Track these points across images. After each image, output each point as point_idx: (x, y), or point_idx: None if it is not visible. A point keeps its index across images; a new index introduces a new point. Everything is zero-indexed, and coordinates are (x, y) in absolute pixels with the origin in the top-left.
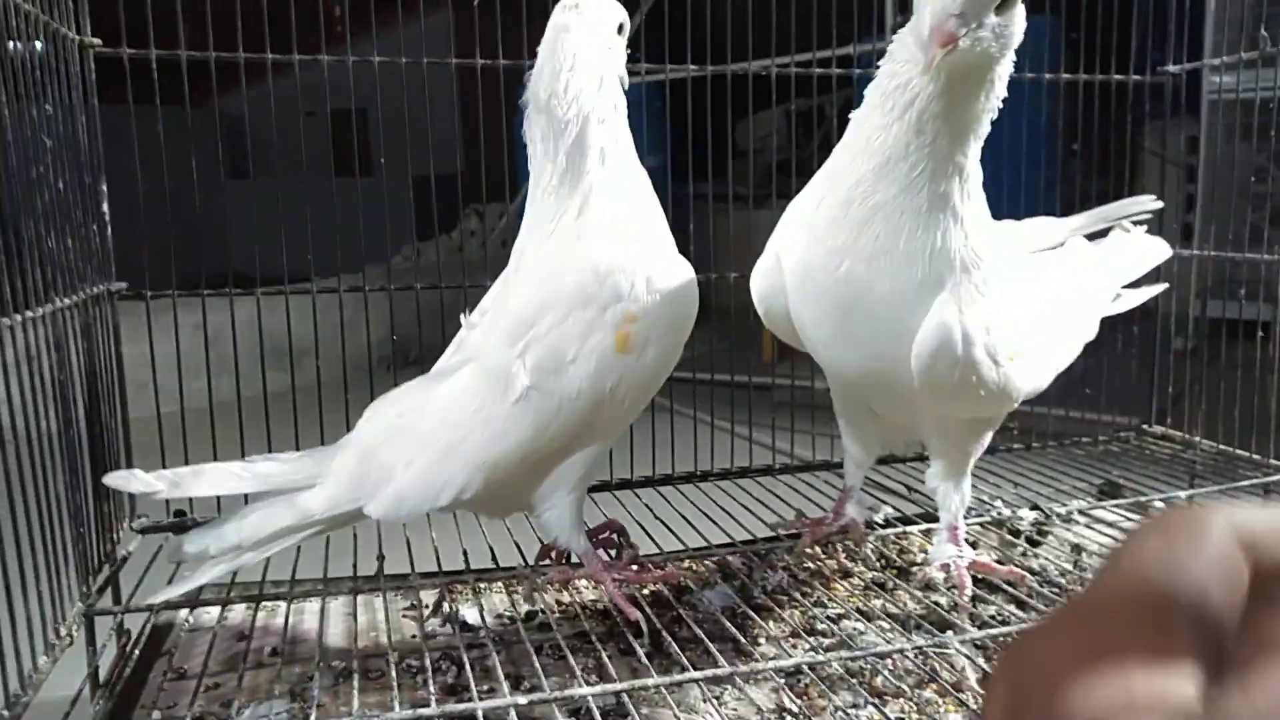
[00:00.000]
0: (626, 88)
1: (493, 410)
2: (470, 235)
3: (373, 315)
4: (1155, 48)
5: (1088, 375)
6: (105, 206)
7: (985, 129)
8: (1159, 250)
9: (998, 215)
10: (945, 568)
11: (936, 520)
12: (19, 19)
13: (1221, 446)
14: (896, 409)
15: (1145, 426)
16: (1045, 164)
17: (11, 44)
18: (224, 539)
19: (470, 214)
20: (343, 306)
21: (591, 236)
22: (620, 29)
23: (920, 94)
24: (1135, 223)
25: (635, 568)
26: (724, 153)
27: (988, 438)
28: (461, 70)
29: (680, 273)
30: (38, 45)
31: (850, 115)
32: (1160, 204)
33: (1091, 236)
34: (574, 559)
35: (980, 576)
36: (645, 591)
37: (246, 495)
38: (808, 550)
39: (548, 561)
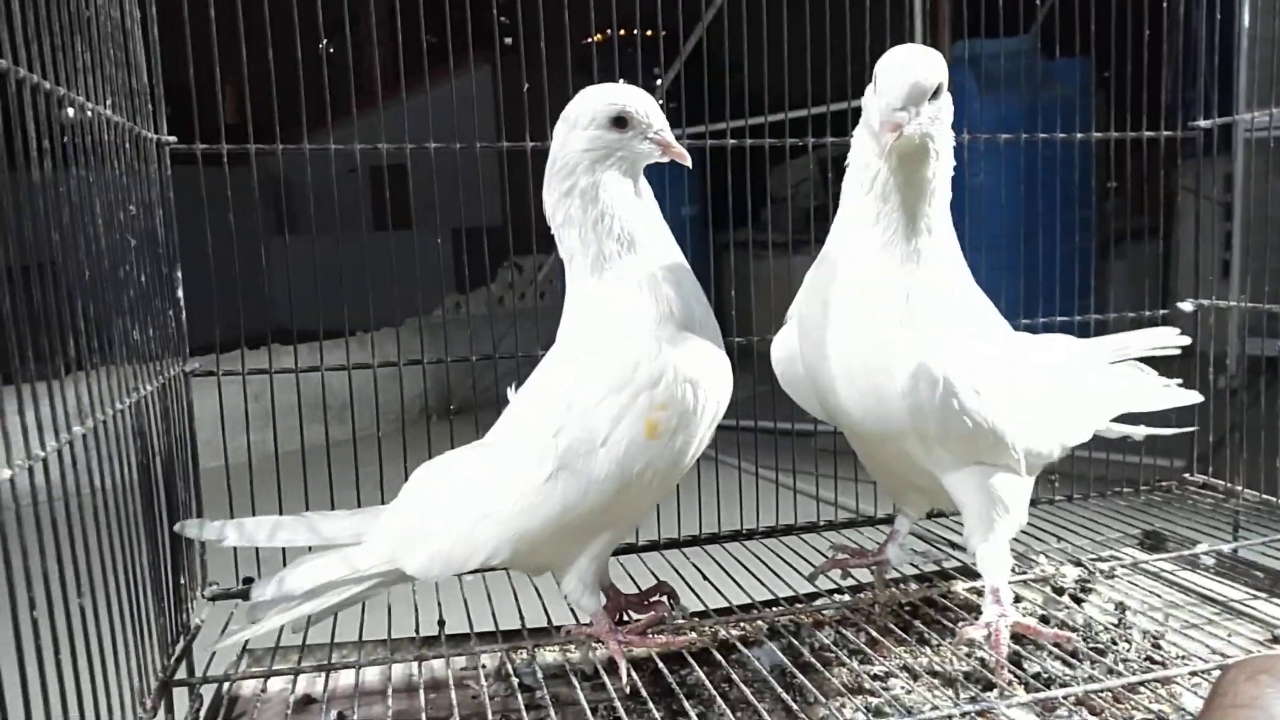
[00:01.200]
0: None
1: (524, 486)
2: (509, 288)
3: (419, 371)
4: (1187, 99)
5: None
6: (180, 292)
7: (944, 191)
8: (1175, 396)
9: (1036, 253)
10: (987, 626)
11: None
12: (110, 131)
13: (1264, 496)
14: (906, 460)
15: (1186, 475)
16: (1086, 205)
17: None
18: (283, 584)
19: (509, 267)
20: (402, 371)
21: (626, 325)
22: (619, 122)
23: (880, 171)
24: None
25: (649, 632)
26: (760, 201)
27: (1011, 497)
28: (509, 125)
29: (713, 362)
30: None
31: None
32: (1187, 340)
33: None
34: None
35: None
36: (696, 649)
37: (311, 549)
38: (855, 607)
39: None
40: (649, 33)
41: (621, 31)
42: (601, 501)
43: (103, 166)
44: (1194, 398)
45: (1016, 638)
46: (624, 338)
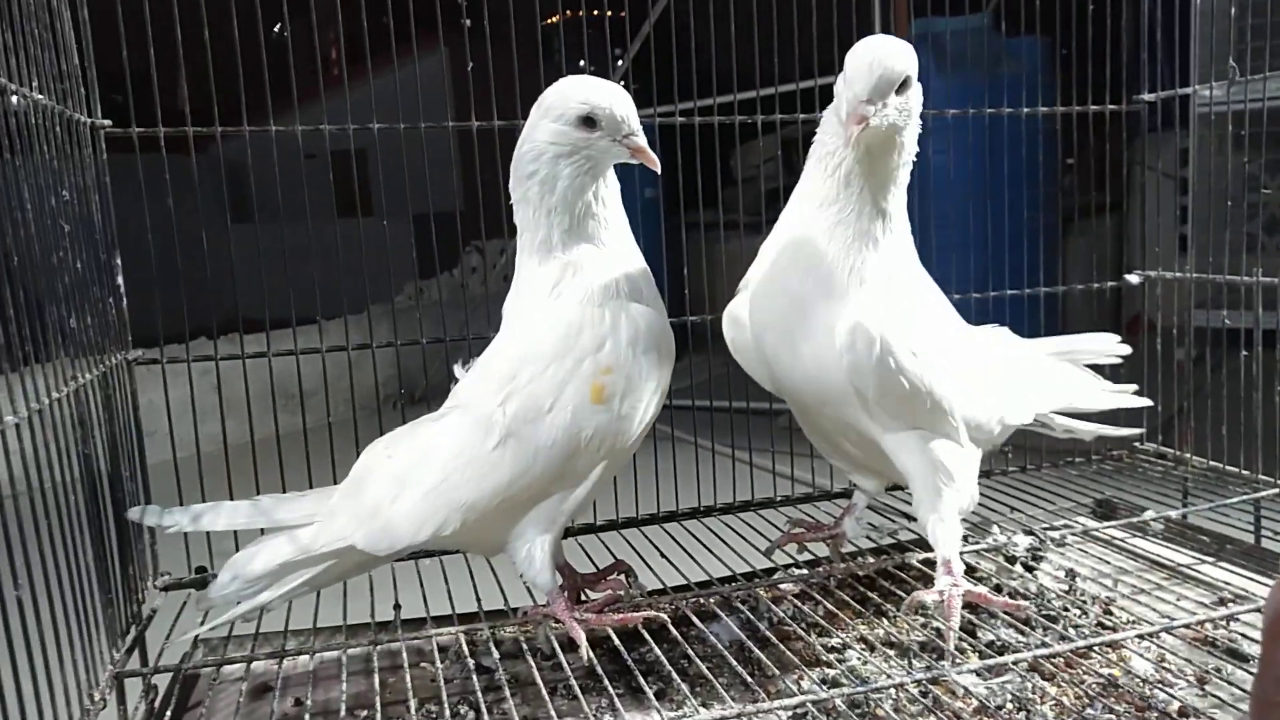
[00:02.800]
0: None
1: (472, 455)
2: (472, 272)
3: (379, 356)
4: (1140, 72)
5: None
6: (120, 279)
7: (904, 178)
8: (1120, 399)
9: (983, 233)
10: (940, 594)
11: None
12: (37, 114)
13: (1212, 463)
14: (849, 428)
15: (1137, 444)
16: (1042, 180)
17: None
18: (235, 567)
19: (471, 251)
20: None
21: (570, 296)
22: (588, 122)
23: (845, 158)
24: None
25: (606, 609)
26: (717, 182)
27: (956, 466)
28: (459, 106)
29: (656, 327)
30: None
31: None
32: (1128, 349)
33: None
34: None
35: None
36: (654, 627)
37: (263, 532)
38: (812, 581)
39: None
40: (609, 13)
41: (581, 12)
42: (550, 469)
43: (30, 151)
44: (1143, 402)
45: (971, 608)
46: (567, 306)
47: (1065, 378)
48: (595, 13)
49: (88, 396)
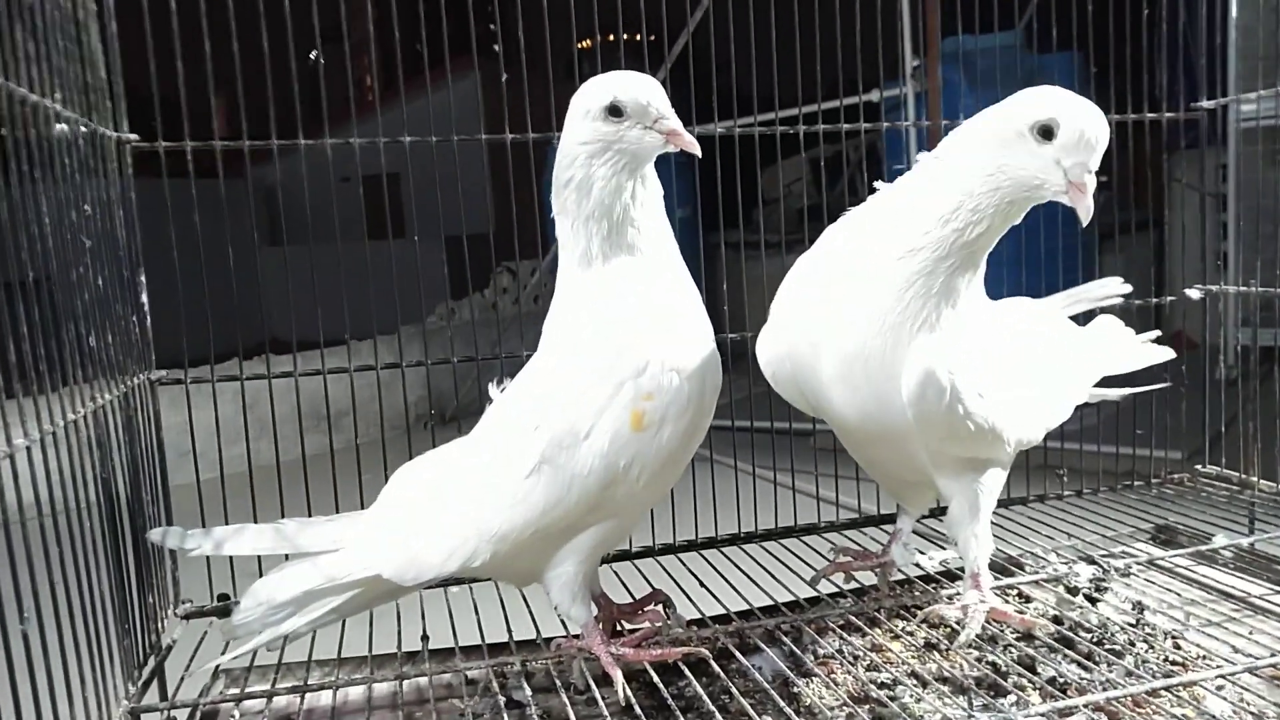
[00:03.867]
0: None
1: (505, 483)
2: (503, 293)
3: (409, 376)
4: (1174, 90)
5: (1137, 412)
6: (144, 297)
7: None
8: (1151, 353)
9: (1029, 250)
10: (964, 609)
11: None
12: (62, 124)
13: None
14: (901, 458)
15: (1199, 466)
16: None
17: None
18: (256, 594)
19: (502, 272)
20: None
21: (611, 315)
22: (615, 111)
23: (983, 217)
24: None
25: (644, 643)
26: (753, 201)
27: (995, 484)
28: (491, 131)
29: (700, 351)
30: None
31: (875, 187)
32: (1129, 288)
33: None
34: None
35: (1028, 632)
36: (693, 660)
37: (288, 558)
38: (859, 612)
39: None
40: (637, 37)
41: (610, 37)
42: (585, 499)
43: (51, 163)
44: (1168, 354)
45: (1028, 638)
46: (608, 326)
47: (1098, 350)
48: (626, 37)
49: (108, 417)
